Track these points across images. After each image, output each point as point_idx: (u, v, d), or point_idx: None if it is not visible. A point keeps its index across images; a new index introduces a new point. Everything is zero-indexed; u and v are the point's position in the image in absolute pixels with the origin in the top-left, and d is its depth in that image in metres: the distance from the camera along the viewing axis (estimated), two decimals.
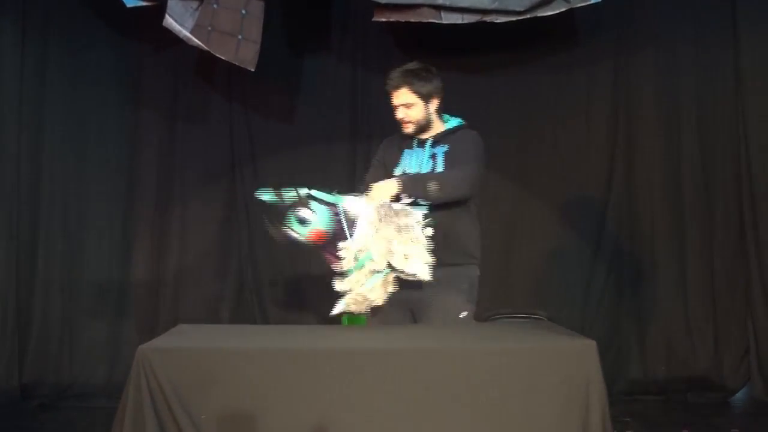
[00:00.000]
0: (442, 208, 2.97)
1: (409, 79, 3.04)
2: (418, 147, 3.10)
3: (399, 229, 2.75)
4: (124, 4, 3.97)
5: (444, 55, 4.65)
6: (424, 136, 3.11)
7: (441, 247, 2.92)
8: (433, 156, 3.06)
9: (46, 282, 4.55)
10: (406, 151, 3.12)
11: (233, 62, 3.99)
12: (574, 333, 2.67)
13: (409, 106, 3.05)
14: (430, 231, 2.90)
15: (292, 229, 2.71)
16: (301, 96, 4.75)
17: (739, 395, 4.47)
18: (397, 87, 3.05)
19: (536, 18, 3.88)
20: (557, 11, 3.87)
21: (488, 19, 3.93)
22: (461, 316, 3.06)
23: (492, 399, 2.27)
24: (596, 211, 4.67)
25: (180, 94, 4.80)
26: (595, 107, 4.71)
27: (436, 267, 2.90)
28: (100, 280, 4.64)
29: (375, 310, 3.13)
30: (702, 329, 4.55)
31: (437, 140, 3.08)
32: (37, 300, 4.52)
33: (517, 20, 3.91)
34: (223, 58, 3.98)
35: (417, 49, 4.67)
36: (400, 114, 3.07)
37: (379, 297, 2.77)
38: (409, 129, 3.09)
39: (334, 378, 2.28)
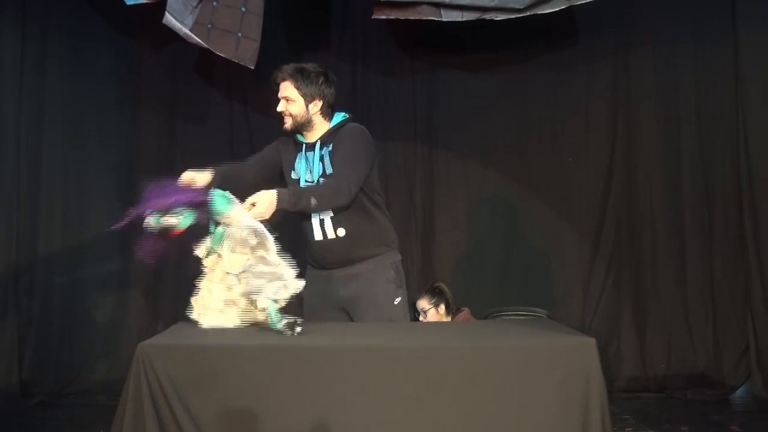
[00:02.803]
0: (348, 210, 3.05)
1: (295, 75, 3.10)
2: (309, 151, 3.14)
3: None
4: (123, 2, 3.95)
5: (443, 53, 4.68)
6: (312, 138, 3.15)
7: (360, 244, 3.08)
8: (322, 158, 3.10)
9: (46, 280, 4.54)
10: (299, 154, 3.17)
11: (233, 60, 3.98)
12: (574, 331, 2.69)
13: (290, 100, 3.11)
14: (342, 232, 3.04)
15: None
16: None
17: (738, 392, 4.47)
18: (283, 79, 3.12)
19: (536, 16, 3.87)
20: (557, 9, 3.86)
21: (488, 16, 3.92)
22: (395, 303, 3.13)
23: (492, 397, 2.27)
24: (596, 209, 4.67)
25: (180, 92, 4.80)
26: (594, 106, 4.71)
27: (361, 262, 3.08)
28: (99, 278, 4.64)
29: (309, 311, 3.19)
30: (701, 327, 4.55)
31: (324, 141, 3.13)
32: (37, 298, 4.50)
33: (517, 18, 3.90)
34: (222, 55, 3.97)
35: (416, 46, 4.70)
36: (281, 107, 3.13)
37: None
38: (286, 123, 3.14)
39: (334, 375, 2.28)
